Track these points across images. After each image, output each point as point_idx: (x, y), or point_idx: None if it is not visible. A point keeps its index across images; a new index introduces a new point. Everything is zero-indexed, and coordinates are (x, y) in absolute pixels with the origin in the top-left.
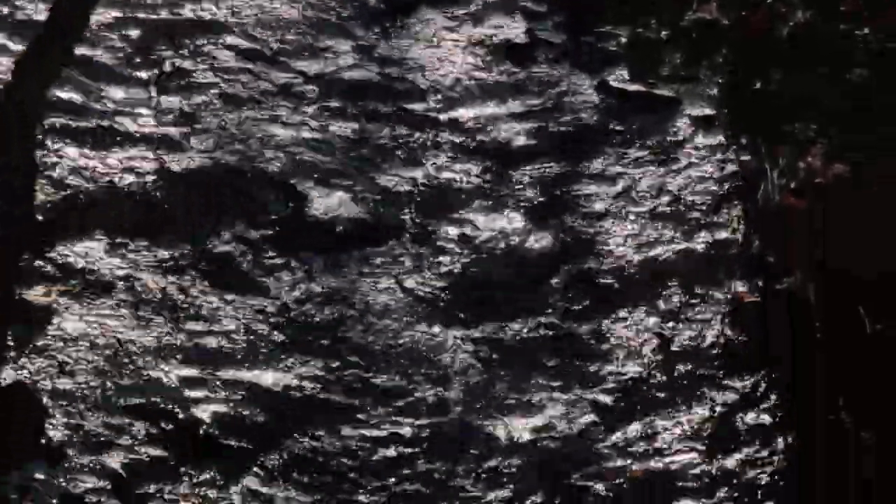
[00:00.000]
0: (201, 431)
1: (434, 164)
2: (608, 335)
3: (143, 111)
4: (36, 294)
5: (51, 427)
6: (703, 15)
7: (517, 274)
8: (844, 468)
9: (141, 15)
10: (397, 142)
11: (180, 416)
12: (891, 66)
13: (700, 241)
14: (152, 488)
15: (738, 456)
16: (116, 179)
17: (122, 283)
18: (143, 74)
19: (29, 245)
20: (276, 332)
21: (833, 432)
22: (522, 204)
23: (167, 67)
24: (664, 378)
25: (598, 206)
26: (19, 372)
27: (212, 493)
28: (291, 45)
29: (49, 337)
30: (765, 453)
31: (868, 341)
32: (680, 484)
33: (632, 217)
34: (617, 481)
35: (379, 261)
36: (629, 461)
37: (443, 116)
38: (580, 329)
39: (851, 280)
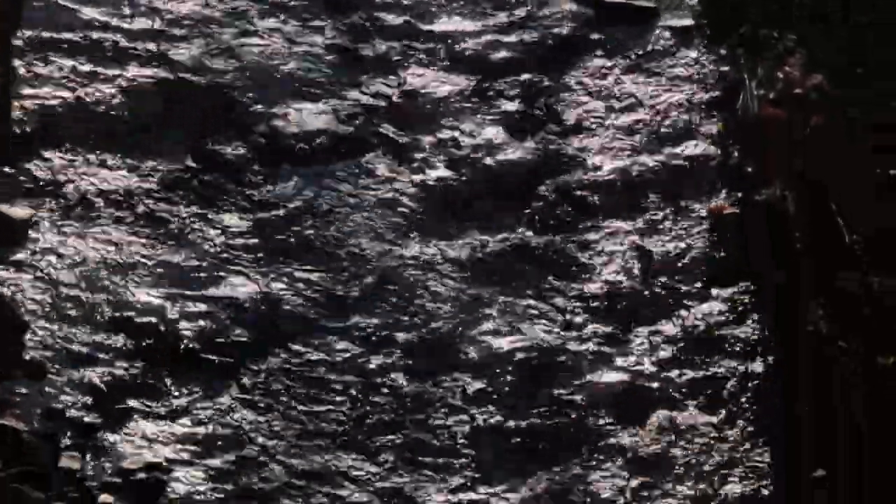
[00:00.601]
0: (182, 346)
1: (413, 77)
2: (588, 248)
3: (121, 26)
4: (16, 210)
5: (32, 343)
6: None
7: (496, 187)
8: (828, 378)
9: None
10: (375, 55)
11: (161, 331)
12: (886, 21)
13: (679, 153)
14: (132, 403)
15: (719, 368)
16: (95, 95)
17: (102, 199)
18: None
19: (8, 160)
20: (255, 247)
21: (815, 342)
22: (501, 117)
23: None
24: (644, 291)
25: (578, 119)
26: (0, 288)
27: (193, 408)
28: None
29: (29, 253)
30: (746, 364)
31: (847, 250)
32: (659, 395)
33: (611, 129)
34: (596, 392)
35: (357, 174)
36: (609, 373)
37: (422, 28)
38: (560, 242)
39: (831, 190)
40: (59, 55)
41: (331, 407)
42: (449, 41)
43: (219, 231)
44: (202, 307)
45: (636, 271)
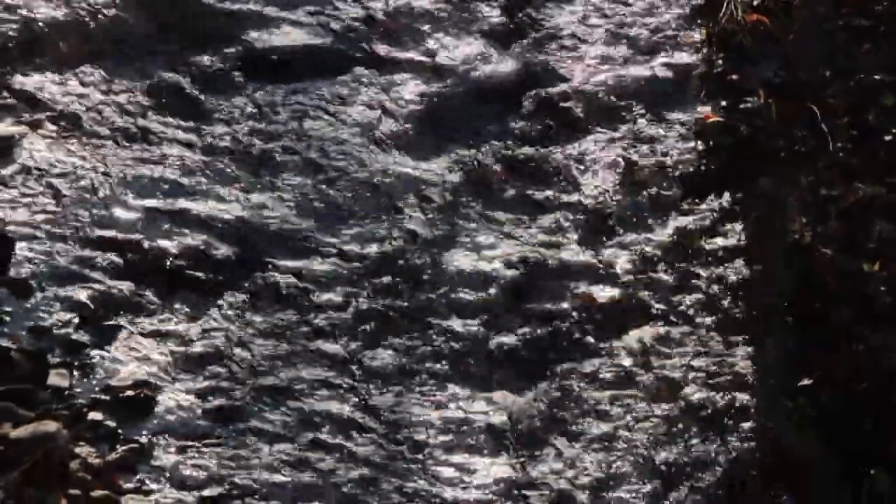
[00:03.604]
0: (168, 264)
1: None
2: (572, 160)
3: None
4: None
5: (17, 260)
6: None
7: (480, 101)
8: (805, 285)
9: None
10: None
11: (147, 248)
12: None
13: (662, 62)
14: (120, 320)
15: (704, 278)
16: (78, 12)
17: (85, 114)
18: None
19: None
20: (238, 163)
21: (798, 251)
22: (484, 29)
23: None
24: (629, 201)
25: (562, 30)
26: None
27: (180, 326)
28: None
29: (13, 169)
30: (731, 274)
31: (832, 157)
32: (644, 307)
33: (595, 40)
34: (581, 305)
35: (338, 91)
36: (593, 285)
37: None
38: (544, 154)
39: (815, 97)
40: None
41: (317, 323)
42: None
43: (202, 147)
44: (188, 224)
45: (620, 182)
